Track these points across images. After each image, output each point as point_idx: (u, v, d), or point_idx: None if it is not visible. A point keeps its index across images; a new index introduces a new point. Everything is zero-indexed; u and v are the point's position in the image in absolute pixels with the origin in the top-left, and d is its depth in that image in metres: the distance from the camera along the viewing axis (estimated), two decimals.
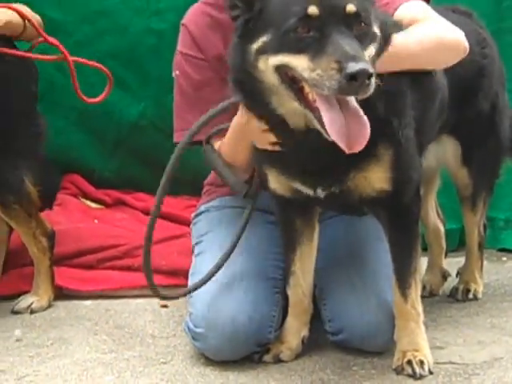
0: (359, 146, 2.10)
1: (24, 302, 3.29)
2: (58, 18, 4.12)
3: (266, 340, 2.72)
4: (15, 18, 3.25)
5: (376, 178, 2.41)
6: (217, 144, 2.73)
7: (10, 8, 3.26)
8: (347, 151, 2.09)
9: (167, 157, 4.23)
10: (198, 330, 2.69)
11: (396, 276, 2.54)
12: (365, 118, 2.12)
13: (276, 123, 2.34)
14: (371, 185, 2.41)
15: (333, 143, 2.12)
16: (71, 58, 3.33)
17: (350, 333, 2.68)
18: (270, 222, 2.93)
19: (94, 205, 4.30)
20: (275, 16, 2.15)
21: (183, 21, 2.99)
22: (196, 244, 3.06)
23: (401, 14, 2.60)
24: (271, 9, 2.17)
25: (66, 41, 3.98)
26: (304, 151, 2.36)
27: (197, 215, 3.19)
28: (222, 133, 2.69)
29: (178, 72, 2.97)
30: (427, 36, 2.48)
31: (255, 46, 2.18)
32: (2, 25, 3.18)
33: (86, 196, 4.32)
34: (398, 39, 2.37)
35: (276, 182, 2.56)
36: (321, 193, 2.45)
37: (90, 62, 3.43)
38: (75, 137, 4.36)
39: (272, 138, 2.39)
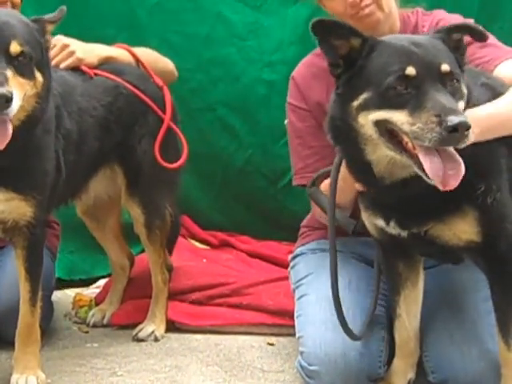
0: (454, 184, 2.17)
1: (145, 330, 3.36)
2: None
3: (376, 375, 2.76)
4: (124, 55, 3.35)
5: (461, 231, 2.43)
6: (322, 184, 2.87)
7: (124, 49, 3.39)
8: (442, 188, 2.16)
9: (270, 202, 4.41)
10: (312, 368, 2.74)
11: (499, 325, 2.50)
12: (459, 158, 2.19)
13: (362, 171, 2.43)
14: (457, 235, 2.43)
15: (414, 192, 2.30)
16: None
17: None
18: (363, 262, 3.03)
19: (200, 245, 4.39)
20: (375, 75, 2.25)
21: (292, 73, 3.14)
22: (296, 287, 3.12)
23: (502, 71, 2.68)
24: (371, 68, 2.28)
25: (180, 87, 4.07)
26: (386, 196, 2.45)
27: (294, 257, 3.27)
28: (324, 175, 2.83)
29: (287, 120, 3.13)
30: None
31: (355, 103, 2.28)
32: (95, 60, 3.21)
33: (193, 237, 4.40)
34: (488, 108, 2.44)
35: (367, 222, 2.64)
36: (401, 232, 2.49)
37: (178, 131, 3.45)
38: (184, 178, 4.42)
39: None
